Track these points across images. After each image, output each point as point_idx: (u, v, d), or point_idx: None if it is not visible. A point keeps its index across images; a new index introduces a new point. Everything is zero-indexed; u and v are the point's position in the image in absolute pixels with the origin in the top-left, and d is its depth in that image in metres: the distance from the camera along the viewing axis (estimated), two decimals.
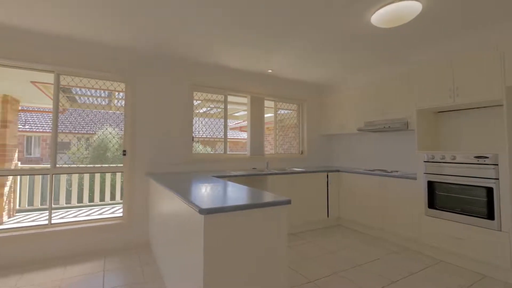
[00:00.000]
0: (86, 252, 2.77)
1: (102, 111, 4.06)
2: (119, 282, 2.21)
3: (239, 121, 9.30)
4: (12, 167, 4.05)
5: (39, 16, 2.29)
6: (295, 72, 3.96)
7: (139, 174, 3.10)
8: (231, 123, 10.64)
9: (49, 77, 3.04)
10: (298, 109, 4.71)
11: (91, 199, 4.49)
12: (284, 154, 4.47)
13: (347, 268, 2.50)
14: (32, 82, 3.66)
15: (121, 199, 4.47)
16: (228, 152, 3.91)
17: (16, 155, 4.29)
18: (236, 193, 1.89)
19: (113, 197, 4.62)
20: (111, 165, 4.09)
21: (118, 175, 4.61)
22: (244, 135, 11.07)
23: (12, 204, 4.01)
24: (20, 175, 4.18)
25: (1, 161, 3.75)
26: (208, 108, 3.94)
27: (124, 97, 3.22)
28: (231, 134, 13.58)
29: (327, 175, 3.88)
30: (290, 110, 4.71)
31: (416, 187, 2.93)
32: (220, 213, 1.42)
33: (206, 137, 3.84)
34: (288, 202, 1.62)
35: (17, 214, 4.07)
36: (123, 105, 3.24)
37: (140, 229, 3.06)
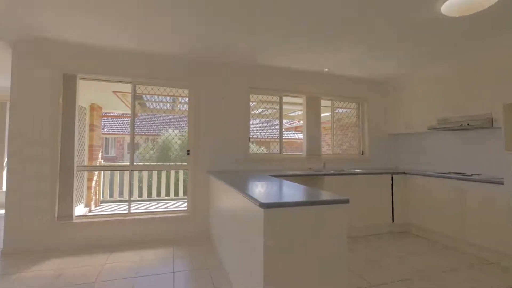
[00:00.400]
0: (157, 239, 3.30)
1: (170, 115, 4.72)
2: (186, 268, 2.61)
3: (294, 121, 9.39)
4: (97, 164, 5.02)
5: (118, 36, 2.86)
6: (355, 69, 3.91)
7: (201, 171, 3.53)
8: (285, 123, 10.78)
9: (127, 87, 3.71)
10: (358, 108, 4.60)
11: (158, 194, 5.24)
12: (342, 155, 4.43)
13: (415, 277, 2.40)
14: (113, 92, 4.50)
15: (183, 195, 5.10)
16: (283, 153, 4.10)
17: (100, 154, 5.30)
18: (294, 191, 2.04)
19: (176, 192, 5.30)
20: (176, 163, 4.74)
21: (180, 173, 5.27)
22: (300, 135, 11.08)
23: (97, 195, 4.97)
24: (106, 170, 5.17)
25: (90, 159, 4.69)
26: (264, 109, 4.20)
27: (187, 102, 3.69)
28: (285, 135, 13.74)
29: (392, 178, 3.72)
30: (349, 109, 4.64)
31: (504, 193, 2.61)
32: (279, 208, 1.58)
33: (262, 138, 4.10)
34: (346, 201, 1.70)
35: (101, 204, 5.02)
36: (186, 109, 3.72)
37: (202, 222, 3.49)
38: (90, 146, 4.76)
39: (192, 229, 3.45)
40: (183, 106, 4.60)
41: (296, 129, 11.49)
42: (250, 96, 3.89)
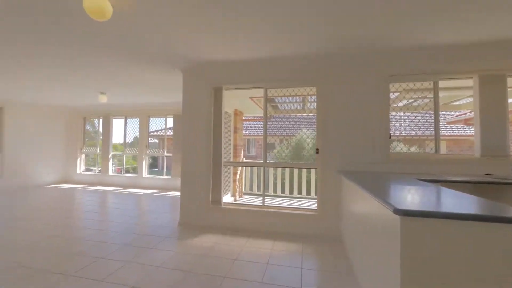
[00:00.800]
0: (287, 233, 3.56)
1: (298, 115, 5.03)
2: (314, 267, 2.67)
3: (465, 112, 7.38)
4: (239, 161, 6.02)
5: (253, 49, 3.29)
6: None
7: (331, 171, 3.47)
8: (449, 115, 8.71)
9: (261, 92, 4.21)
10: None
11: (291, 191, 5.64)
12: None
13: None
14: (250, 97, 5.24)
15: (315, 194, 5.23)
16: (443, 152, 3.32)
17: (242, 152, 6.32)
18: (451, 200, 1.65)
19: (308, 191, 5.50)
20: (306, 162, 4.95)
21: (312, 172, 5.43)
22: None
23: (240, 187, 5.94)
24: (244, 166, 6.13)
25: (234, 156, 5.68)
26: (411, 100, 3.57)
27: (316, 100, 3.73)
28: (450, 130, 11.01)
29: None
30: None
31: None
32: (422, 218, 1.33)
33: (408, 135, 3.51)
34: None
35: (243, 195, 5.97)
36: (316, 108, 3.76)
37: (332, 223, 3.45)
38: (235, 146, 5.77)
39: (321, 229, 3.47)
40: (311, 104, 4.71)
41: (466, 122, 8.99)
42: (391, 85, 3.42)
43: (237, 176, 5.72)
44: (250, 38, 3.02)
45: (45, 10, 2.42)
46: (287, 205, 4.95)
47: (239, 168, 5.78)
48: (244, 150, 7.06)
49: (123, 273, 2.49)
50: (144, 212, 4.91)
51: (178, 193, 6.53)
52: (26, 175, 7.26)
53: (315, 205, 3.87)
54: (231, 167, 5.42)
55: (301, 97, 4.83)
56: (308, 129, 5.39)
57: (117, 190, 7.09)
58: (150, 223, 4.13)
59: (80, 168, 8.43)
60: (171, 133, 7.69)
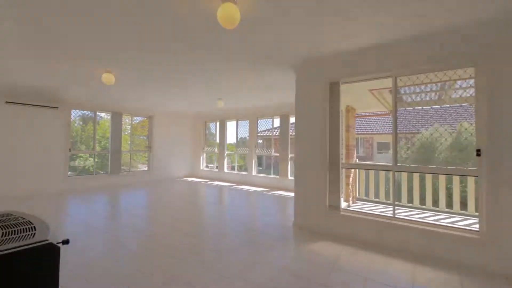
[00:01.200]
0: (430, 256, 2.78)
1: (435, 107, 3.97)
2: None
3: None
4: (354, 163, 5.33)
5: (379, 31, 2.64)
6: None
7: (505, 179, 2.47)
8: None
9: (383, 83, 3.51)
10: None
11: (421, 202, 4.54)
12: None
13: None
14: (370, 90, 4.52)
15: (461, 209, 4.00)
16: None
17: (355, 153, 5.62)
18: None
19: (449, 204, 4.27)
20: (457, 167, 3.82)
21: (454, 180, 4.18)
22: None
23: (354, 192, 5.27)
24: (368, 169, 5.41)
25: (346, 157, 5.08)
26: None
27: (471, 85, 2.78)
28: None
29: None
30: None
31: None
32: None
33: None
34: None
35: (357, 201, 5.27)
36: (461, 96, 2.81)
37: (508, 253, 2.44)
38: (347, 146, 5.16)
39: (487, 258, 2.52)
40: (466, 92, 3.60)
41: None
42: None
43: (350, 179, 5.10)
44: (375, 16, 2.44)
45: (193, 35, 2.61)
46: (418, 218, 4.00)
47: (352, 170, 5.14)
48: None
49: (249, 271, 2.43)
50: (257, 209, 5.00)
51: (286, 192, 6.49)
52: (166, 170, 8.84)
53: (462, 223, 2.89)
54: (343, 169, 4.85)
55: (438, 85, 3.81)
56: (442, 124, 4.23)
57: (231, 186, 7.65)
58: (265, 221, 4.12)
59: (202, 164, 9.62)
60: (278, 134, 7.72)
